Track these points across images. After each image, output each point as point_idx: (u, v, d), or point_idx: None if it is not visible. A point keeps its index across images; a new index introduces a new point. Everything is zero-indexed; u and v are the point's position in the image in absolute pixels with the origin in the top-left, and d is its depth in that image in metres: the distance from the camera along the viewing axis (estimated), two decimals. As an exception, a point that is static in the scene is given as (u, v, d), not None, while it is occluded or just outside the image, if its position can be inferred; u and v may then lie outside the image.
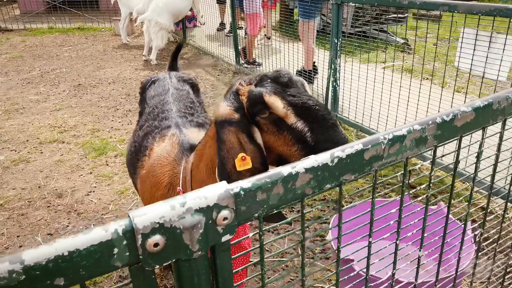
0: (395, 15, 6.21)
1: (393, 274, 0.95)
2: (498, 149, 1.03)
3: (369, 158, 0.76)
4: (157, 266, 0.58)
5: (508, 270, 1.30)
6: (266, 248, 2.32)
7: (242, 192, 0.62)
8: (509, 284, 1.74)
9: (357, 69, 3.56)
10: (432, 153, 0.89)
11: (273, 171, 0.67)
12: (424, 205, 0.96)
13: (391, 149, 0.78)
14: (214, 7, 7.65)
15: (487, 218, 1.11)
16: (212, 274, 0.67)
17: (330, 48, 3.74)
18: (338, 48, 3.67)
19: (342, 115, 3.86)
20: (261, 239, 0.71)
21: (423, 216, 0.96)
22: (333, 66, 3.77)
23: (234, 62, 6.18)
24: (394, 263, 0.94)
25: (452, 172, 0.94)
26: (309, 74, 4.95)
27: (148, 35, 6.48)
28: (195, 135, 1.54)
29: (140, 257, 0.56)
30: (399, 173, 0.92)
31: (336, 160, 0.72)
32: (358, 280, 0.99)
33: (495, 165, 1.05)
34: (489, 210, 1.10)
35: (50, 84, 5.50)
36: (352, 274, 0.95)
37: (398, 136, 0.78)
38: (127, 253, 0.55)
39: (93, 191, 2.94)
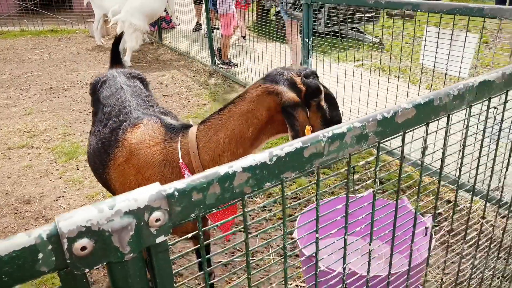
0: (368, 15, 6.30)
1: (343, 268, 0.97)
2: (444, 144, 1.06)
3: (309, 156, 0.77)
4: (87, 270, 0.58)
5: (463, 260, 1.34)
6: (238, 248, 2.33)
7: (176, 193, 0.63)
8: (465, 273, 1.79)
9: (331, 68, 3.60)
10: (376, 150, 0.91)
11: (209, 171, 0.68)
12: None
13: (332, 146, 0.80)
14: (189, 7, 7.62)
15: (446, 210, 1.14)
16: (151, 275, 0.67)
17: (302, 47, 3.77)
18: (310, 48, 3.71)
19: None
20: (201, 239, 0.71)
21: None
22: (305, 66, 3.81)
23: (209, 62, 6.16)
24: (344, 257, 0.96)
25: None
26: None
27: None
28: (170, 120, 1.64)
29: (68, 261, 0.55)
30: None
31: (274, 159, 0.73)
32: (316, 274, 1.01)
33: (442, 159, 1.08)
34: (451, 203, 1.13)
35: (21, 88, 5.37)
36: (311, 268, 0.96)
37: (338, 134, 0.80)
38: (53, 258, 0.55)
39: (63, 196, 2.89)
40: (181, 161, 1.45)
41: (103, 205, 0.57)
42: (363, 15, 3.72)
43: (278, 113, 1.41)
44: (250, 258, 2.22)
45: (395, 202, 1.03)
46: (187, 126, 1.56)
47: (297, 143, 0.75)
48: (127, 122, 1.66)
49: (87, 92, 5.15)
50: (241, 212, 0.75)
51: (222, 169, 0.68)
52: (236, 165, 0.69)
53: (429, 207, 2.28)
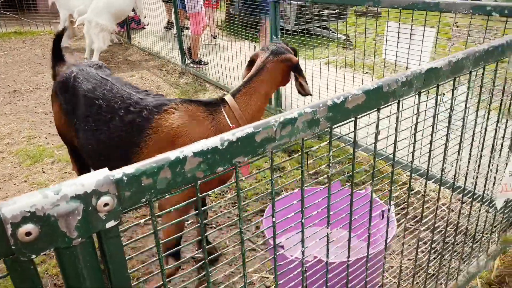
0: (335, 13, 6.42)
1: (302, 252, 1.00)
2: (396, 129, 1.10)
3: (261, 140, 0.79)
4: (34, 256, 0.58)
5: (420, 243, 1.40)
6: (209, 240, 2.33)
7: (124, 178, 0.63)
8: (423, 256, 1.86)
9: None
10: (329, 134, 0.94)
11: (160, 156, 0.68)
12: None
13: (283, 131, 0.82)
14: (158, 6, 7.53)
15: (412, 197, 1.19)
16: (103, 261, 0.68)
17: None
18: (278, 45, 3.74)
19: (285, 110, 3.94)
20: (154, 224, 0.72)
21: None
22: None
23: (180, 62, 6.12)
24: (302, 241, 0.99)
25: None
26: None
27: (89, 37, 6.26)
28: (199, 100, 1.88)
29: (13, 247, 0.55)
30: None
31: (226, 144, 0.74)
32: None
33: (395, 144, 1.12)
34: (412, 189, 1.18)
35: (-18, 92, 5.17)
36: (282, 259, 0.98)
37: (289, 119, 0.82)
38: (-3, 244, 0.54)
39: (29, 200, 2.80)
40: (231, 125, 1.75)
41: (48, 190, 0.57)
42: (329, 12, 3.79)
43: (287, 72, 1.92)
44: (222, 252, 2.19)
45: (360, 191, 1.06)
46: (218, 100, 1.83)
47: (248, 128, 0.77)
48: (147, 111, 1.74)
49: (54, 94, 5.03)
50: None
51: (172, 154, 0.69)
52: (187, 150, 0.70)
53: (395, 195, 2.36)
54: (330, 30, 6.89)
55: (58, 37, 2.18)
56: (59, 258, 0.60)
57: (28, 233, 0.55)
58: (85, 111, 1.83)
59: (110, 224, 0.63)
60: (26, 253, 0.56)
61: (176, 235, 1.24)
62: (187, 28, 7.37)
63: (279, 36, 3.72)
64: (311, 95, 1.98)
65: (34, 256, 0.57)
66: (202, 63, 5.99)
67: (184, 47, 5.98)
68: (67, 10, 7.27)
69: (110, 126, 1.76)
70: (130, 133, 1.74)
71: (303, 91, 1.92)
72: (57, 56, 2.13)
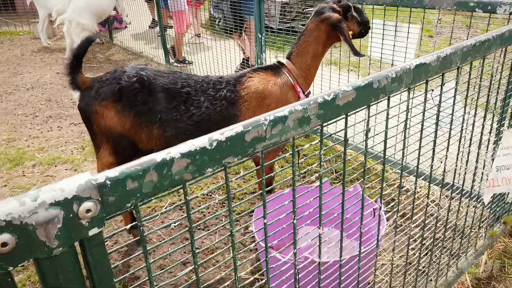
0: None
1: (294, 254, 0.97)
2: (386, 126, 1.09)
3: (251, 140, 0.76)
4: (11, 268, 0.54)
5: (411, 241, 1.39)
6: (196, 246, 2.29)
7: (108, 182, 0.59)
8: (413, 254, 1.87)
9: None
10: (320, 132, 0.92)
11: (146, 158, 0.65)
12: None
13: (274, 130, 0.79)
14: (140, 5, 7.42)
15: (402, 194, 1.17)
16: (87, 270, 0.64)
17: (255, 43, 3.78)
18: (263, 43, 3.72)
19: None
20: (141, 230, 0.68)
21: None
22: (259, 61, 3.82)
23: (163, 61, 6.04)
24: (294, 242, 0.96)
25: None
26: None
27: (70, 37, 6.12)
28: (262, 66, 2.16)
29: (-13, 260, 0.51)
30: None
31: (215, 144, 0.71)
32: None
33: (385, 142, 1.11)
34: (402, 187, 1.16)
35: (-41, 94, 5.00)
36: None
37: (280, 117, 0.80)
38: (-30, 257, 0.50)
39: (9, 205, 2.70)
40: (292, 82, 2.07)
41: (26, 197, 0.53)
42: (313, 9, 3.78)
43: (331, 31, 2.07)
44: (210, 255, 2.16)
45: (349, 189, 1.04)
46: (277, 63, 2.14)
47: (237, 127, 0.74)
48: (232, 84, 1.98)
49: (33, 95, 4.90)
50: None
51: (159, 156, 0.66)
52: (174, 151, 0.67)
53: (385, 193, 2.36)
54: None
55: (87, 43, 2.00)
56: (39, 269, 0.56)
57: (4, 244, 0.51)
58: (170, 103, 1.91)
59: (94, 231, 0.59)
60: (3, 265, 0.52)
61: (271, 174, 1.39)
62: (171, 27, 7.28)
63: (264, 35, 3.70)
64: (360, 55, 2.08)
65: (11, 268, 0.53)
66: (187, 62, 5.93)
67: (168, 46, 5.91)
68: (46, 9, 7.10)
69: (208, 107, 1.94)
70: (226, 107, 1.95)
71: (351, 51, 2.05)
72: (79, 64, 1.98)
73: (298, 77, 2.09)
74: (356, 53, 2.04)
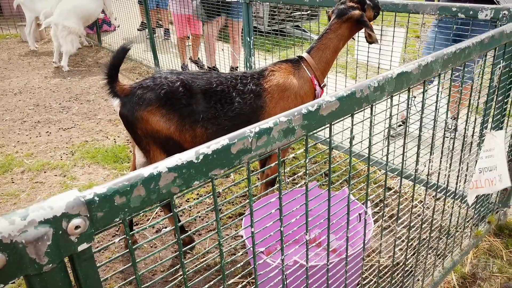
0: (305, 13, 6.48)
1: (282, 260, 0.99)
2: (370, 133, 1.11)
3: (237, 152, 0.78)
4: (2, 286, 0.55)
5: (398, 241, 1.42)
6: (188, 251, 2.31)
7: (96, 198, 0.61)
8: (401, 254, 1.90)
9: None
10: (305, 142, 0.94)
11: (133, 173, 0.66)
12: (337, 192, 1.02)
13: (259, 142, 0.81)
14: (130, 8, 7.39)
15: (388, 196, 1.20)
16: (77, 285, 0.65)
17: (244, 46, 3.80)
18: (251, 46, 3.74)
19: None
20: (129, 243, 0.70)
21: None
22: (248, 64, 3.84)
23: (153, 64, 6.02)
24: (282, 249, 0.98)
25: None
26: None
27: (57, 40, 6.07)
28: (282, 60, 2.31)
29: (-22, 278, 0.52)
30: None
31: (201, 157, 0.73)
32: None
33: (369, 148, 1.14)
34: (399, 191, 1.19)
35: None
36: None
37: (264, 129, 0.82)
38: (-40, 276, 0.51)
39: (-2, 213, 2.69)
40: (310, 76, 2.20)
41: (15, 216, 0.54)
42: (301, 13, 3.80)
43: (353, 26, 2.21)
44: (202, 260, 2.17)
45: (337, 194, 1.07)
46: (297, 57, 2.25)
47: (223, 140, 0.76)
48: (256, 78, 2.12)
49: (21, 100, 4.86)
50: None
51: (146, 171, 0.67)
52: (161, 166, 0.69)
53: (375, 194, 2.39)
54: (304, 30, 6.94)
55: (123, 52, 1.99)
56: (29, 285, 0.57)
57: (-6, 263, 0.52)
58: (209, 102, 2.03)
59: (83, 246, 0.61)
60: (-7, 283, 0.53)
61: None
62: (160, 26, 7.25)
63: (252, 38, 3.72)
64: (377, 42, 2.22)
65: (2, 285, 0.54)
66: (199, 64, 5.84)
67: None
68: (33, 13, 7.04)
69: (239, 101, 2.07)
70: (254, 99, 2.09)
71: (370, 39, 2.18)
72: (116, 72, 1.97)
73: (316, 71, 2.22)
74: (376, 40, 2.18)
